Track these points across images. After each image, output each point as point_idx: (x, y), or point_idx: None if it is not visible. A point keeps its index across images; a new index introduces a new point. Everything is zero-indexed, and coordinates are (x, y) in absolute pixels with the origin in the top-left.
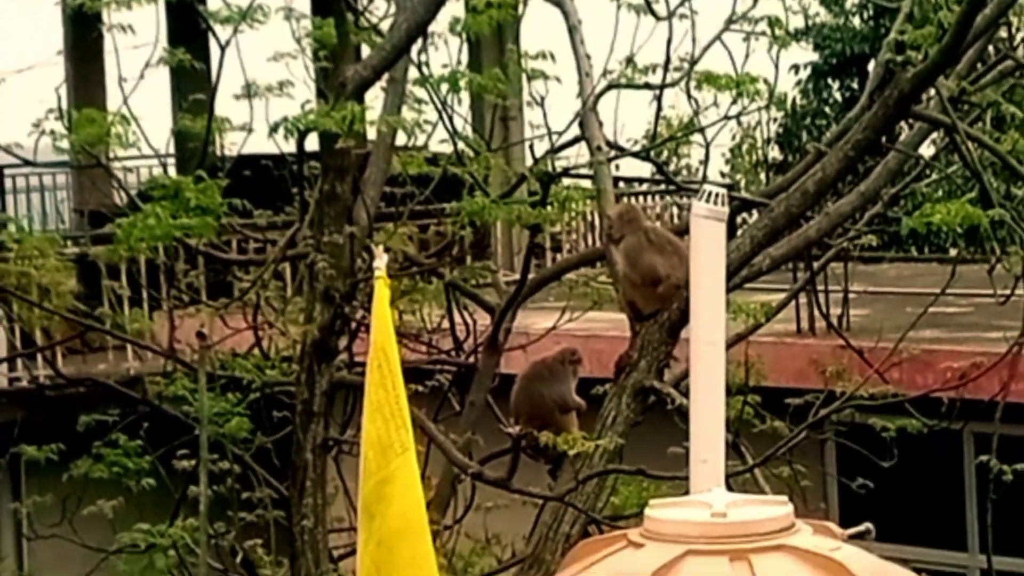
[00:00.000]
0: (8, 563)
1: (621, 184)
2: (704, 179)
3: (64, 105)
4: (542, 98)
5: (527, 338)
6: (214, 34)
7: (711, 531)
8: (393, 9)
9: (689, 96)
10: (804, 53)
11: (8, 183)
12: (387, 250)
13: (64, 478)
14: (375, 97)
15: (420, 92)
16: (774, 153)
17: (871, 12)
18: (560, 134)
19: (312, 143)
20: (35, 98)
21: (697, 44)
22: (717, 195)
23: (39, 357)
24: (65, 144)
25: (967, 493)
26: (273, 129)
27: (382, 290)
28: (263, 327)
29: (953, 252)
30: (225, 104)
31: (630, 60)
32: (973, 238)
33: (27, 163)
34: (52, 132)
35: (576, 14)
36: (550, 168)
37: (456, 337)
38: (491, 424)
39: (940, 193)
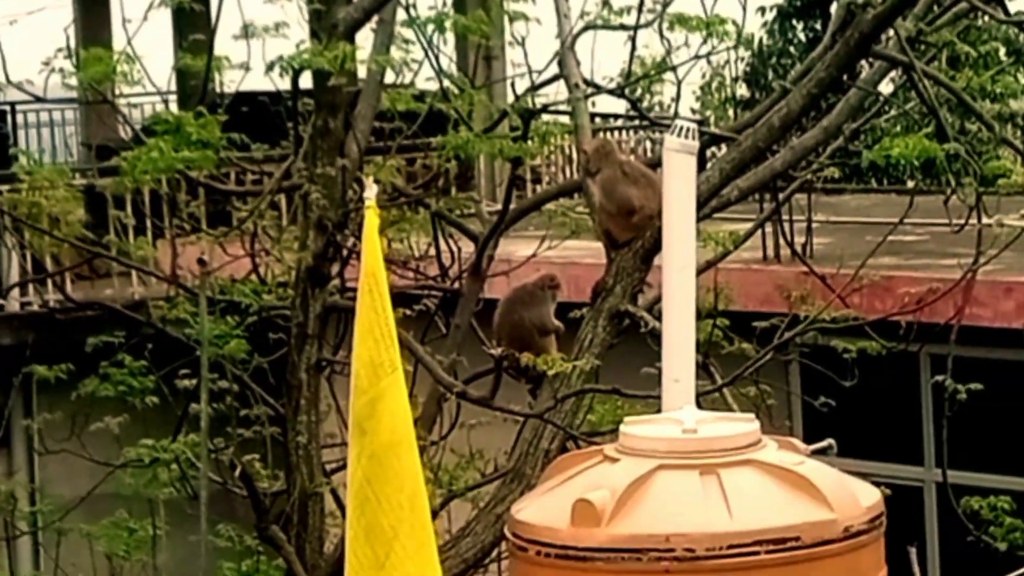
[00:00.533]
0: (20, 476)
1: (597, 120)
2: (676, 115)
3: (72, 45)
4: (523, 38)
5: (509, 265)
6: None
7: (682, 446)
8: None
9: (662, 36)
10: None
11: (20, 118)
12: (377, 182)
13: (73, 396)
14: (365, 37)
15: (408, 33)
16: (742, 90)
17: None
18: (540, 72)
19: (306, 81)
20: (45, 38)
21: None
22: (688, 130)
23: (49, 282)
24: (74, 81)
25: (923, 411)
26: (269, 68)
27: (372, 219)
28: (260, 254)
29: (911, 184)
30: (224, 44)
31: (606, 2)
32: (929, 170)
33: (38, 99)
34: (61, 70)
35: None
36: (530, 104)
37: (442, 264)
38: (475, 346)
39: (898, 128)
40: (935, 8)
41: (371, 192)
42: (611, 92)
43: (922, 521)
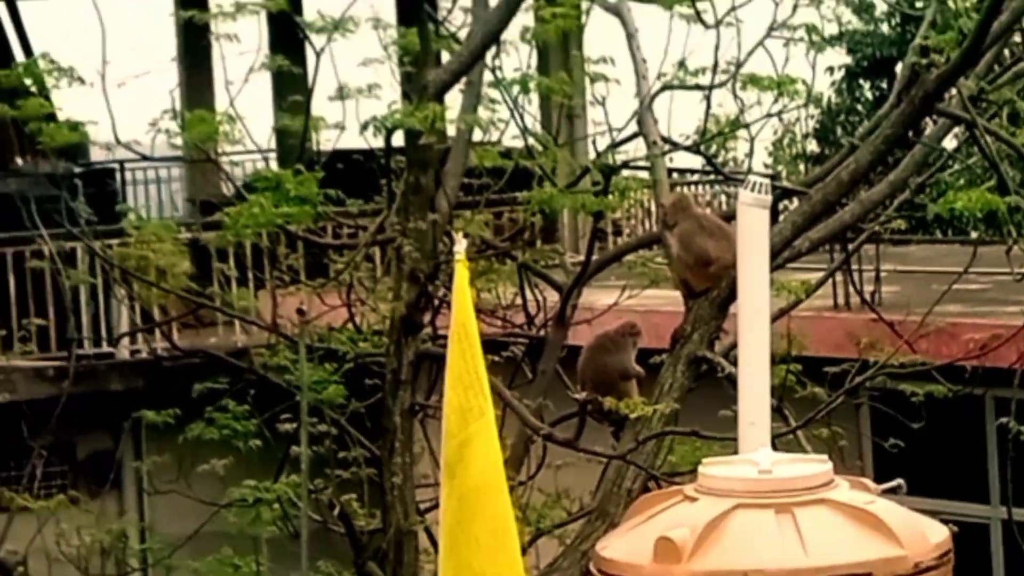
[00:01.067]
0: (131, 515)
1: (675, 175)
2: (749, 170)
3: (177, 106)
4: (603, 98)
5: (591, 313)
6: (310, 42)
7: (758, 486)
8: (470, 19)
9: (735, 96)
10: (838, 56)
11: (128, 176)
12: (466, 235)
13: (180, 440)
14: (454, 98)
15: (494, 93)
16: (812, 146)
17: (898, 19)
18: (620, 130)
19: (398, 139)
20: (151, 100)
21: (742, 49)
22: (761, 185)
23: (157, 331)
24: (179, 141)
25: (989, 452)
26: (363, 127)
27: (462, 272)
28: (356, 304)
29: (974, 235)
30: (320, 105)
31: (682, 64)
32: (992, 222)
33: (145, 158)
34: (167, 131)
35: (633, 23)
36: (611, 161)
37: (528, 313)
38: (560, 391)
39: (962, 182)
40: (996, 68)
41: (461, 246)
42: (687, 149)
43: (988, 557)
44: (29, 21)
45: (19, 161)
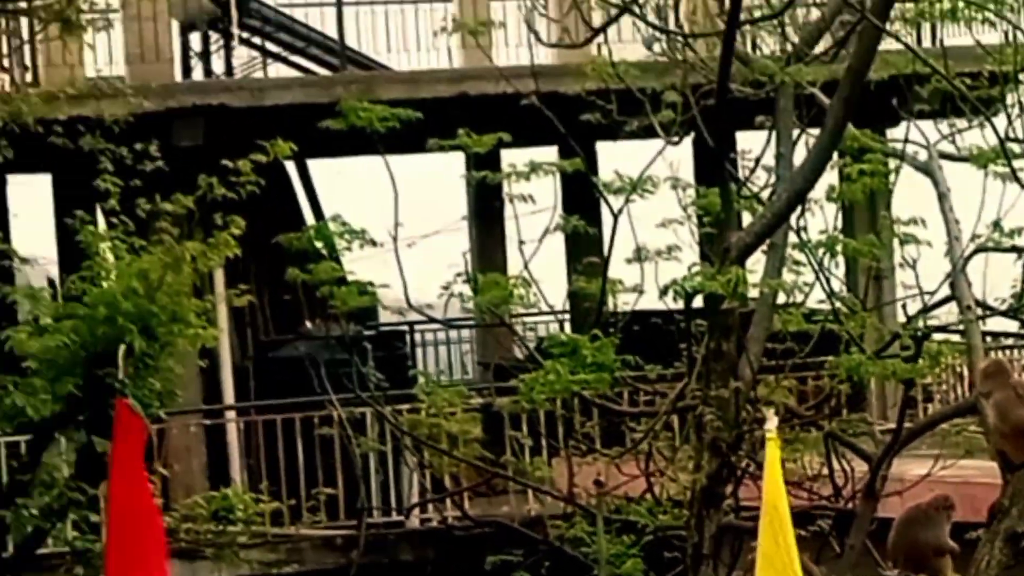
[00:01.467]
0: None
1: (989, 339)
2: None
3: (469, 267)
4: (914, 260)
5: (902, 484)
6: (607, 202)
7: None
8: (773, 179)
9: None
10: None
11: (418, 337)
12: (769, 403)
13: None
14: (756, 261)
15: (798, 255)
16: None
17: None
18: (931, 294)
19: (698, 302)
20: (441, 259)
21: None
22: None
23: (448, 500)
24: (471, 305)
25: None
26: (663, 291)
27: (773, 451)
28: (655, 474)
29: None
30: (617, 266)
31: (997, 224)
32: None
33: (435, 321)
34: (460, 294)
35: (945, 182)
36: (922, 326)
37: (835, 484)
38: (870, 566)
39: None
40: None
41: (772, 424)
42: (1003, 313)
43: None
44: (319, 181)
45: (308, 324)
